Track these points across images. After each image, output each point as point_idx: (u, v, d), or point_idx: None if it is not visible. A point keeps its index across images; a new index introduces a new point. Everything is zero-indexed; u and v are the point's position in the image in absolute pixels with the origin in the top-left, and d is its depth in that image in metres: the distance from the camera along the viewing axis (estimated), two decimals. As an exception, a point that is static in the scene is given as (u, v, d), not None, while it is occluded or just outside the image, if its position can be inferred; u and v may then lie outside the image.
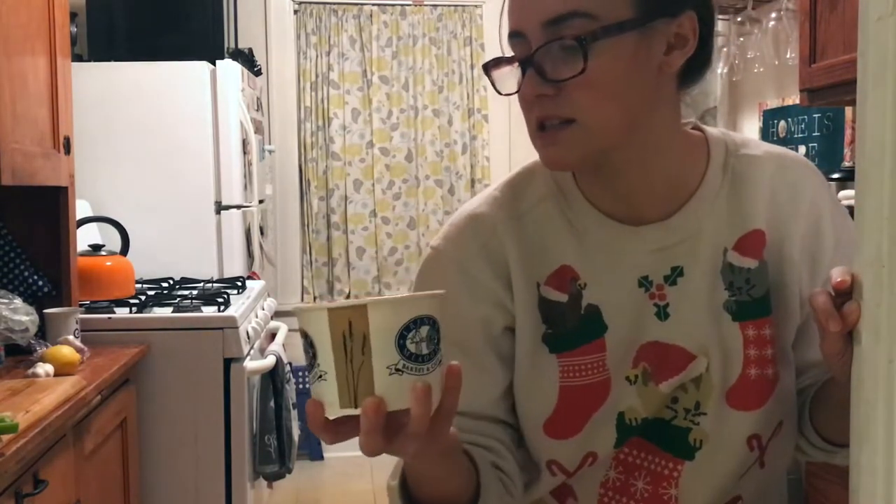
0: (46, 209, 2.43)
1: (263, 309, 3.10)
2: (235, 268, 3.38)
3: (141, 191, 3.27)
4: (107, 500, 2.22)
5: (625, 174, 0.94)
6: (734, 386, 0.95)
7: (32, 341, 2.19)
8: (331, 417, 0.70)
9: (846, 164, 2.85)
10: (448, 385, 0.73)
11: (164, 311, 2.62)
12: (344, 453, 4.10)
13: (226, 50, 3.61)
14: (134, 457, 2.42)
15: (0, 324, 2.08)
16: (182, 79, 3.29)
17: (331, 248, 4.50)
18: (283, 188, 4.41)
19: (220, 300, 2.65)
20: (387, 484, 0.90)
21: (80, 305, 2.55)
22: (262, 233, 3.78)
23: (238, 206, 3.39)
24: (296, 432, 2.97)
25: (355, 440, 0.72)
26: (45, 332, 2.28)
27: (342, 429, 0.72)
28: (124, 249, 2.94)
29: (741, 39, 3.32)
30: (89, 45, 3.45)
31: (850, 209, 0.86)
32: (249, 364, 2.62)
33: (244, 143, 3.42)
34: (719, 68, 3.42)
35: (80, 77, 2.82)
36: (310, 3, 4.37)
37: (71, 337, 2.25)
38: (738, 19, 3.31)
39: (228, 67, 3.35)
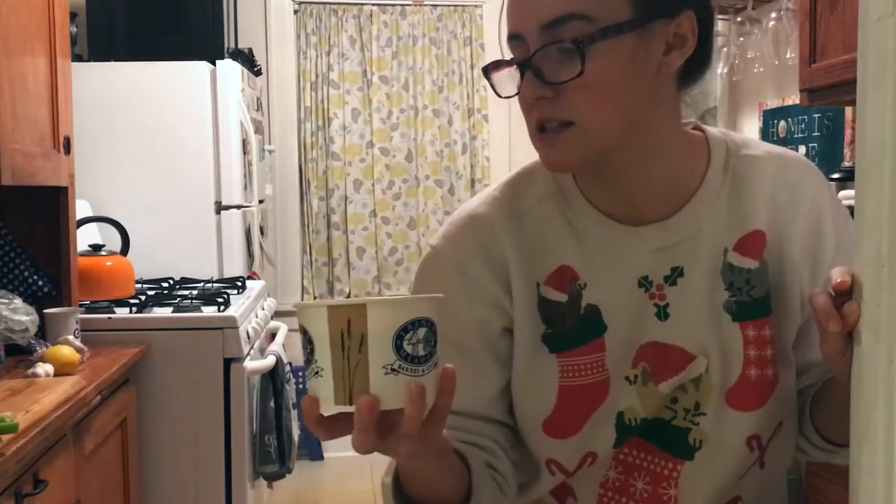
0: (46, 209, 2.43)
1: (263, 309, 3.10)
2: (235, 268, 3.38)
3: (141, 191, 3.27)
4: (107, 500, 2.22)
5: (625, 174, 0.94)
6: (734, 386, 0.95)
7: (32, 341, 2.19)
8: (325, 414, 0.71)
9: (846, 164, 2.85)
10: (442, 388, 0.73)
11: (164, 311, 2.62)
12: (344, 453, 4.10)
13: (226, 50, 3.61)
14: (134, 457, 2.42)
15: (0, 324, 2.08)
16: (182, 79, 3.29)
17: (331, 248, 4.50)
18: (283, 188, 4.41)
19: (220, 300, 2.65)
20: (381, 480, 0.91)
21: (80, 305, 2.55)
22: (262, 233, 3.78)
23: (238, 206, 3.39)
24: (296, 432, 2.97)
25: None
26: (45, 332, 2.28)
27: (336, 426, 0.72)
28: (124, 249, 2.94)
29: (741, 39, 3.32)
30: (89, 45, 3.45)
31: (850, 209, 0.86)
32: (249, 364, 2.62)
33: (244, 143, 3.42)
34: (719, 68, 3.42)
35: (80, 77, 2.82)
36: (310, 3, 4.37)
37: (71, 337, 2.25)
38: (738, 19, 3.31)
39: (228, 67, 3.35)
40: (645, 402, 0.96)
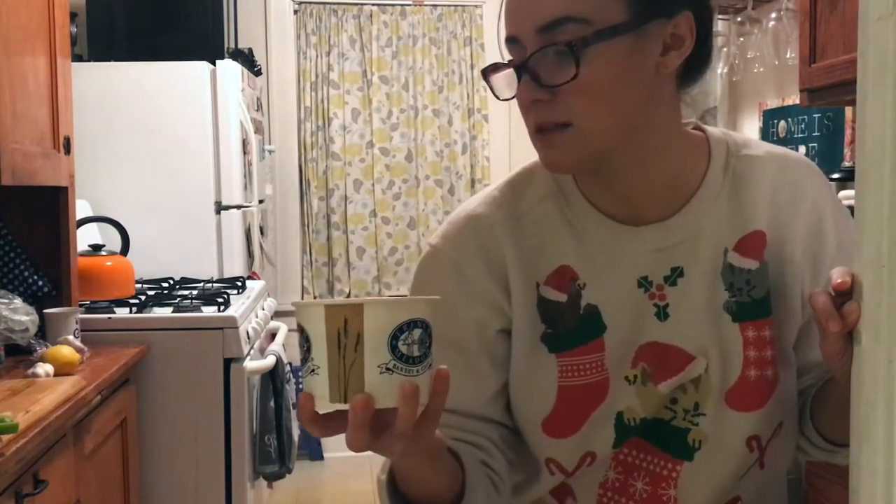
0: (46, 209, 2.43)
1: (263, 309, 3.10)
2: (235, 268, 3.38)
3: (141, 191, 3.27)
4: (107, 500, 2.22)
5: (625, 175, 0.94)
6: (734, 387, 0.95)
7: (32, 341, 2.19)
8: (321, 411, 0.72)
9: (846, 164, 2.85)
10: (436, 389, 0.74)
11: (164, 311, 2.62)
12: (344, 453, 4.09)
13: (226, 50, 3.61)
14: (134, 457, 2.42)
15: (0, 324, 2.08)
16: (182, 79, 3.29)
17: (331, 248, 4.51)
18: (283, 188, 4.41)
19: (220, 300, 2.65)
20: (377, 477, 0.91)
21: (80, 305, 2.55)
22: (262, 233, 3.78)
23: (238, 206, 3.39)
24: (296, 432, 2.97)
25: None
26: (45, 332, 2.28)
27: (331, 423, 0.73)
28: (124, 249, 2.94)
29: (741, 39, 3.32)
30: (89, 45, 3.45)
31: (850, 209, 0.86)
32: (249, 364, 2.62)
33: (244, 143, 3.42)
34: (719, 68, 3.42)
35: (80, 77, 2.82)
36: (310, 3, 4.37)
37: (71, 337, 2.25)
38: (738, 19, 3.31)
39: (228, 67, 3.35)
40: (644, 402, 0.96)
